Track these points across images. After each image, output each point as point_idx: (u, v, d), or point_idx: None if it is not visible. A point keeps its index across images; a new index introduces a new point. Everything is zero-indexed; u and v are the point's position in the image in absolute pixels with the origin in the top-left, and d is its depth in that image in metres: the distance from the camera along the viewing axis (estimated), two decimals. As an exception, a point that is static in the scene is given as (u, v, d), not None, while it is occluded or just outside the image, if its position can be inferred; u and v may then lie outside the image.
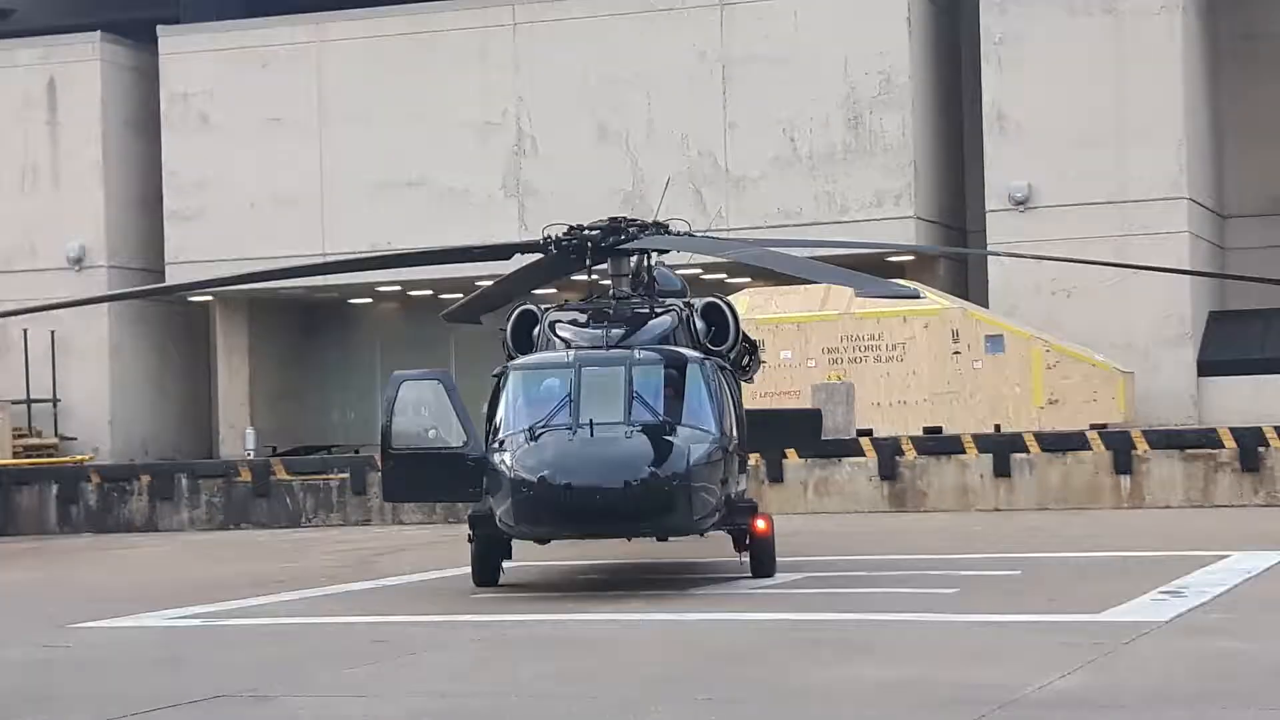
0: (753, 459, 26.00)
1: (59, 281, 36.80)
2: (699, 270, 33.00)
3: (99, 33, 37.93)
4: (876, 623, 14.99)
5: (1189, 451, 27.91)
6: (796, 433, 25.78)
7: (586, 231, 19.46)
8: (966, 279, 35.10)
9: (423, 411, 19.00)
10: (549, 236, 19.67)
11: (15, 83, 37.86)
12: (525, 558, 19.97)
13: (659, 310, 19.23)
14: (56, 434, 36.94)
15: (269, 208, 36.44)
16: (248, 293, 36.96)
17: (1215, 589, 16.48)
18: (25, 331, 36.24)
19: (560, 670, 12.97)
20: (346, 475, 31.42)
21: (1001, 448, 28.59)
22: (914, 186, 33.51)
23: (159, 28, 37.52)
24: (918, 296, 22.60)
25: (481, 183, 35.43)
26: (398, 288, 37.44)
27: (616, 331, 18.66)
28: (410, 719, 11.05)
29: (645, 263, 20.00)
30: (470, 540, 18.88)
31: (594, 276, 20.21)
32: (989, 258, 32.60)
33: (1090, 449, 28.21)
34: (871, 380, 30.45)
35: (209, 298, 38.05)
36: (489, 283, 22.49)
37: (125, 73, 38.24)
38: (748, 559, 18.81)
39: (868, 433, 29.68)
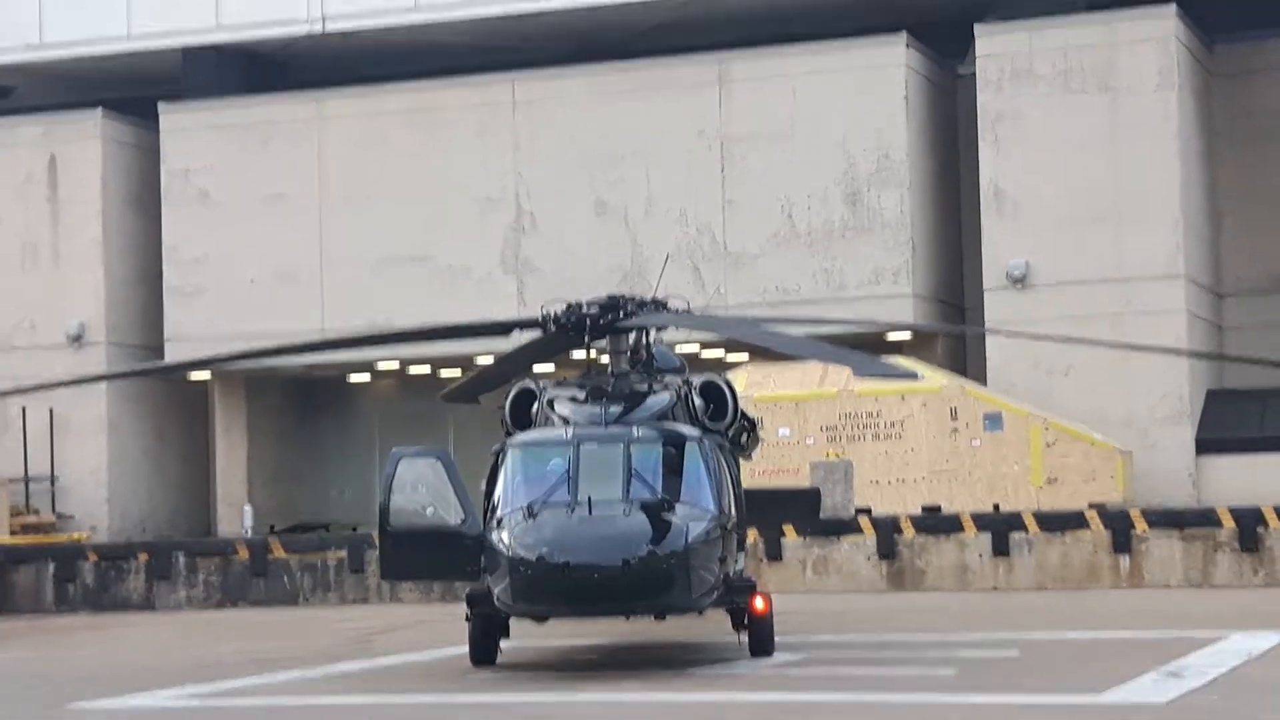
0: (751, 537, 25.98)
1: (57, 359, 36.82)
2: (697, 347, 33.03)
3: (100, 109, 38.11)
4: (875, 705, 14.93)
5: (1188, 531, 27.86)
6: (795, 511, 25.74)
7: (585, 309, 19.48)
8: (965, 356, 35.12)
9: (421, 489, 18.96)
10: (548, 314, 19.68)
11: (16, 160, 37.99)
12: (523, 637, 19.89)
13: (657, 387, 19.23)
14: (54, 512, 36.86)
15: (269, 284, 36.51)
16: (246, 371, 36.98)
17: (1214, 670, 16.41)
18: (24, 409, 36.22)
19: (558, 752, 12.89)
20: (344, 554, 31.33)
21: (1000, 527, 28.53)
22: (912, 264, 33.58)
23: (160, 104, 37.70)
24: (915, 377, 22.60)
25: (481, 259, 35.51)
26: (396, 365, 37.46)
27: (615, 409, 18.65)
28: (407, 802, 10.98)
29: (644, 340, 20.02)
30: (468, 619, 18.81)
31: (593, 354, 20.22)
32: (987, 336, 32.62)
33: (1089, 528, 28.16)
34: (870, 458, 30.42)
35: (207, 375, 38.05)
36: (487, 359, 22.57)
37: (126, 149, 38.39)
38: (746, 638, 18.74)
39: (866, 511, 29.63)
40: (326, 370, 37.91)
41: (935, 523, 29.02)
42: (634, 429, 18.19)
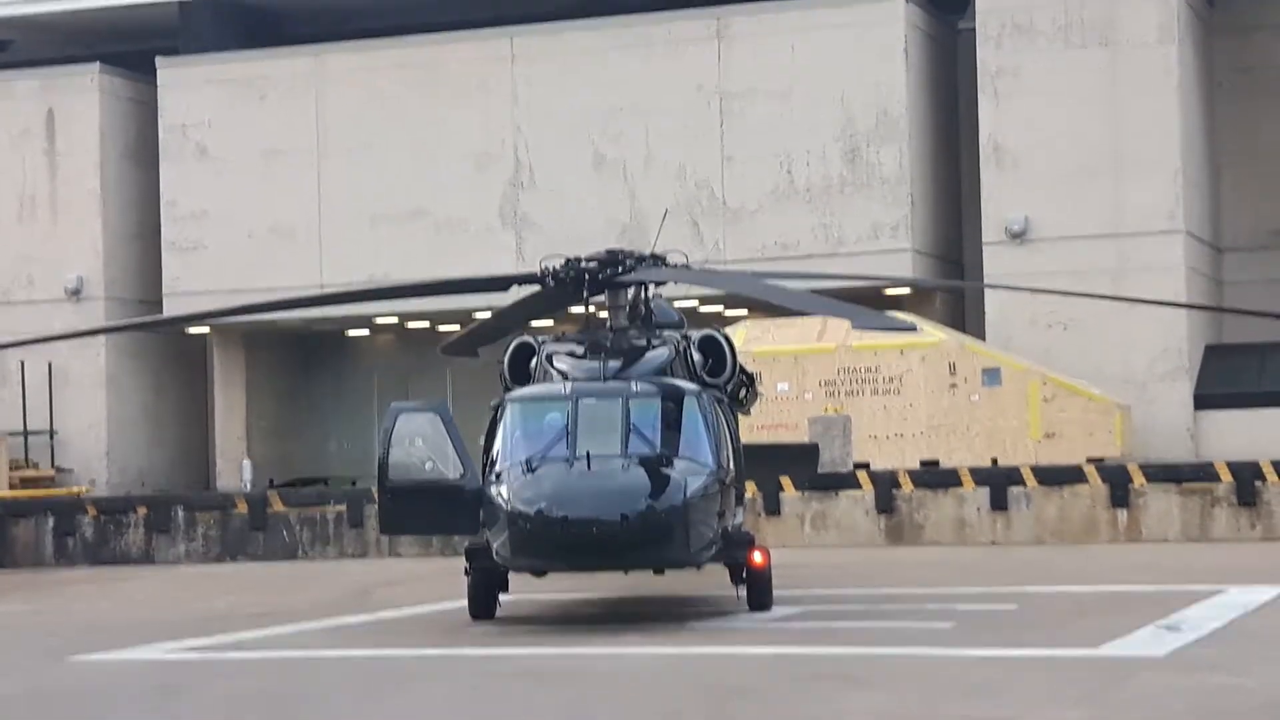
0: (750, 491, 26.02)
1: (56, 313, 36.81)
2: (696, 302, 33.03)
3: (98, 64, 38.00)
4: (874, 657, 14.97)
5: (1186, 485, 27.90)
6: (793, 466, 25.78)
7: (584, 263, 19.47)
8: (963, 312, 35.12)
9: (420, 444, 18.98)
10: (546, 268, 19.68)
11: (14, 113, 37.92)
12: (522, 591, 19.93)
13: (656, 342, 19.24)
14: (53, 466, 36.90)
15: (267, 239, 36.47)
16: (245, 325, 36.97)
17: (1212, 624, 16.46)
18: (22, 363, 36.23)
19: (557, 705, 12.95)
20: (343, 508, 31.37)
21: (998, 481, 28.58)
22: (911, 219, 33.55)
23: (158, 59, 37.59)
24: (915, 330, 22.62)
25: (479, 214, 35.47)
26: (395, 319, 37.46)
27: (613, 364, 18.66)
28: (407, 753, 11.03)
29: (642, 295, 20.01)
30: (467, 573, 18.85)
31: (591, 308, 20.22)
32: (986, 290, 32.62)
33: (1087, 483, 28.20)
34: (868, 413, 30.45)
35: (206, 330, 38.06)
36: (486, 314, 22.53)
37: (124, 103, 38.30)
38: (745, 592, 18.79)
39: (865, 466, 29.67)
40: (325, 325, 37.90)
41: (933, 477, 29.07)
42: (632, 384, 18.21)
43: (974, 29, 33.74)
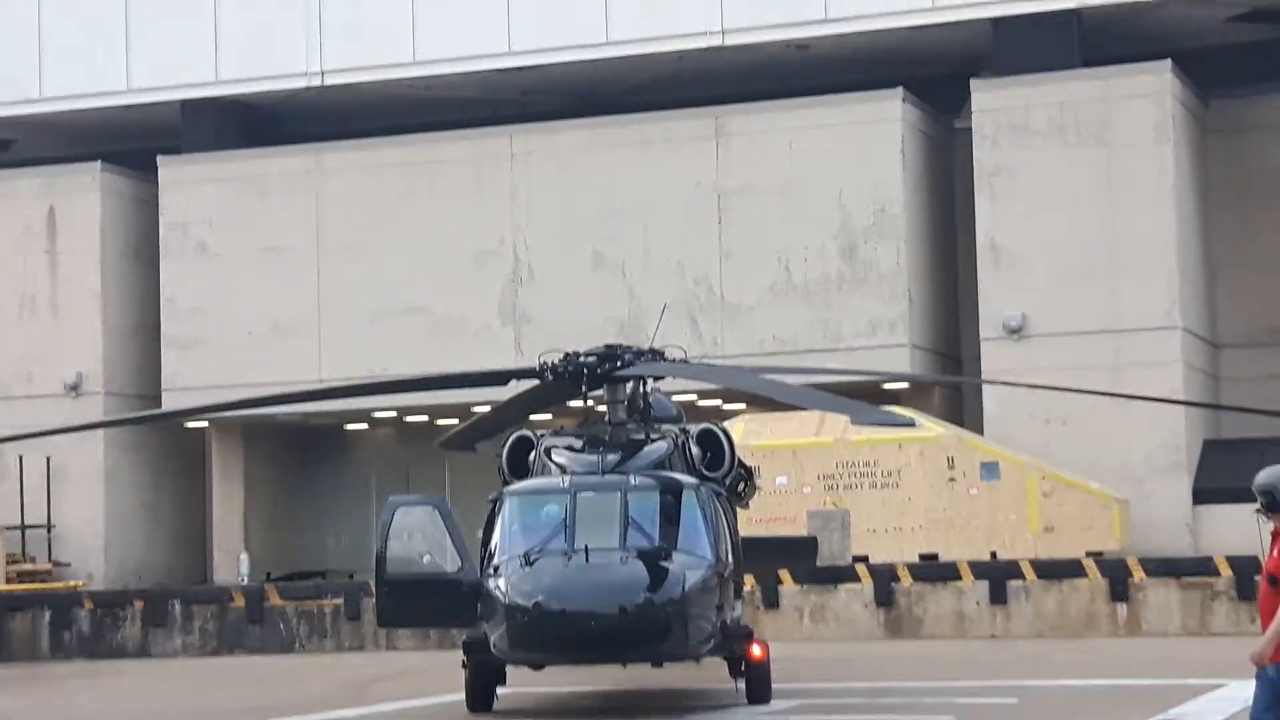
0: (748, 585, 25.98)
1: (55, 408, 36.86)
2: (694, 397, 33.09)
3: (99, 162, 38.24)
4: (872, 749, 14.92)
5: (1185, 579, 27.86)
6: (792, 559, 25.76)
7: (582, 358, 19.56)
8: (961, 407, 35.17)
9: (418, 537, 18.99)
10: (545, 363, 19.76)
11: (16, 212, 38.10)
12: (520, 684, 19.88)
13: (654, 436, 19.29)
14: (50, 560, 36.82)
15: (266, 335, 36.57)
16: (243, 419, 37.01)
17: (1212, 718, 16.42)
18: (20, 458, 36.22)
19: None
20: (341, 601, 31.30)
21: (998, 575, 28.54)
22: (908, 315, 33.66)
23: (159, 157, 37.84)
24: (913, 425, 22.70)
25: (478, 310, 35.59)
26: (393, 414, 37.50)
27: (612, 457, 18.69)
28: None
29: (641, 389, 20.08)
30: (465, 666, 18.83)
31: (590, 403, 20.28)
32: (984, 386, 32.68)
33: (1086, 577, 28.16)
34: (867, 507, 30.44)
35: (205, 424, 38.10)
36: (485, 409, 22.56)
37: (125, 202, 38.51)
38: (743, 685, 18.76)
39: (864, 559, 29.63)
40: (324, 419, 37.95)
41: (933, 571, 29.03)
42: (631, 477, 18.24)
43: (970, 128, 33.97)
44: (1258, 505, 11.01)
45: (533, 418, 22.90)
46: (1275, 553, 10.82)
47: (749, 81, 36.30)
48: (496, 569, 17.77)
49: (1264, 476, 11.00)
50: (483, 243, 35.70)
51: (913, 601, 28.74)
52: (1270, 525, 10.99)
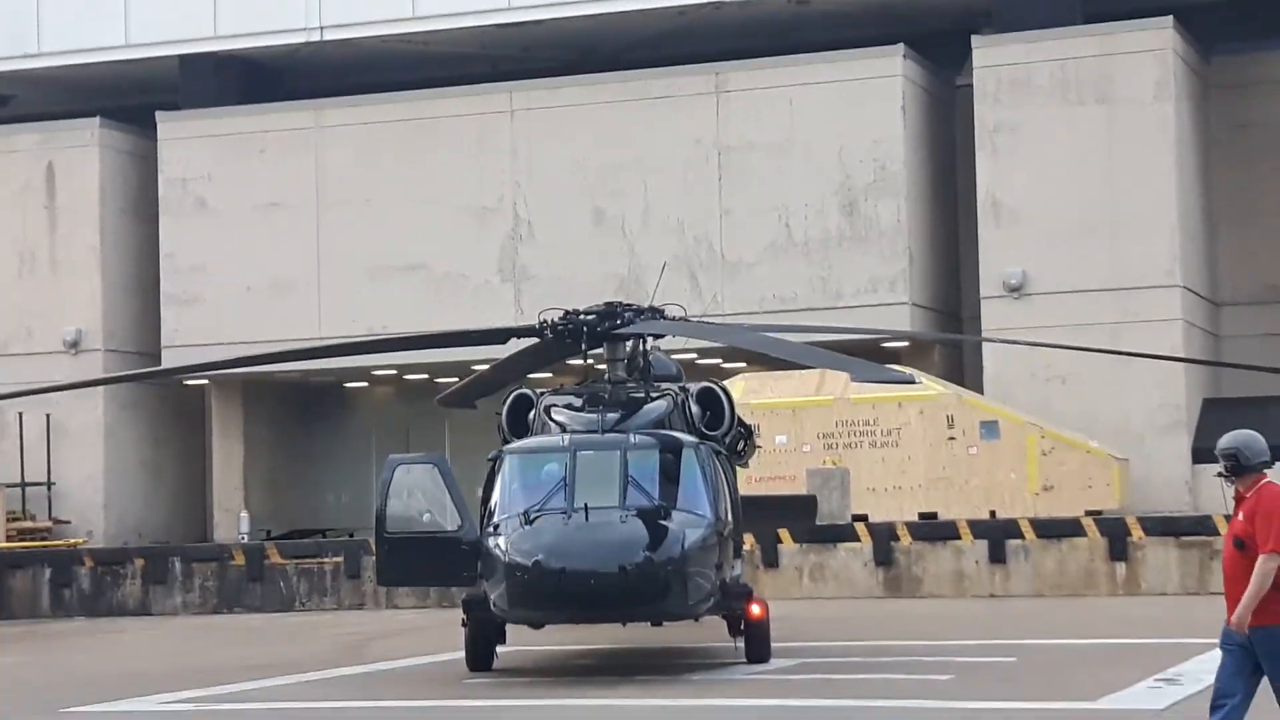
0: (748, 543, 25.99)
1: (55, 365, 36.81)
2: (694, 355, 33.05)
3: (98, 118, 38.12)
4: (872, 709, 14.95)
5: (1184, 539, 27.89)
6: (792, 518, 25.79)
7: (582, 317, 19.54)
8: (961, 365, 35.14)
9: (418, 495, 19.02)
10: (545, 321, 19.74)
11: (14, 168, 38.00)
12: (519, 642, 19.91)
13: (654, 395, 19.28)
14: (50, 517, 36.84)
15: (266, 292, 36.51)
16: (243, 376, 36.97)
17: (1210, 677, 16.41)
18: (20, 415, 36.22)
19: (554, 755, 12.92)
20: (341, 559, 31.36)
21: (997, 534, 28.57)
22: (909, 273, 33.60)
23: (158, 113, 37.71)
24: (913, 382, 22.67)
25: (478, 267, 35.53)
26: (393, 372, 37.48)
27: (612, 416, 18.70)
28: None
29: (641, 348, 20.06)
30: (464, 625, 18.85)
31: (590, 361, 20.25)
32: (984, 344, 32.65)
33: (1085, 535, 28.19)
34: (867, 465, 30.45)
35: (204, 381, 38.08)
36: (485, 367, 22.55)
37: (124, 158, 38.41)
38: (743, 644, 18.79)
39: (863, 518, 29.65)
40: (323, 377, 37.91)
41: (932, 530, 29.06)
42: (630, 436, 18.25)
43: (971, 85, 33.86)
44: (1219, 469, 10.99)
45: (532, 376, 22.87)
46: (1240, 516, 10.82)
47: (749, 37, 36.15)
48: (496, 527, 17.79)
49: (1227, 440, 10.99)
50: (483, 199, 35.62)
51: (912, 560, 28.78)
52: (1234, 489, 10.97)
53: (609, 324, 19.48)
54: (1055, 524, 28.57)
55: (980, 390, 32.67)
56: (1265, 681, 10.83)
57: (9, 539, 34.81)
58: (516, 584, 17.20)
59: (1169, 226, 32.41)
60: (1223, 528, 27.49)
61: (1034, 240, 32.84)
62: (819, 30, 35.67)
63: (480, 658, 18.85)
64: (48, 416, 36.52)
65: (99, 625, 30.37)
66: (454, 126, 35.90)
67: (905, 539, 28.84)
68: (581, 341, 19.50)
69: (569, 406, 19.15)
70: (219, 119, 37.22)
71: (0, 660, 24.33)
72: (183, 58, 37.92)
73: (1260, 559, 10.64)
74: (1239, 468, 10.93)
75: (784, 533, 28.66)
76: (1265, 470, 10.99)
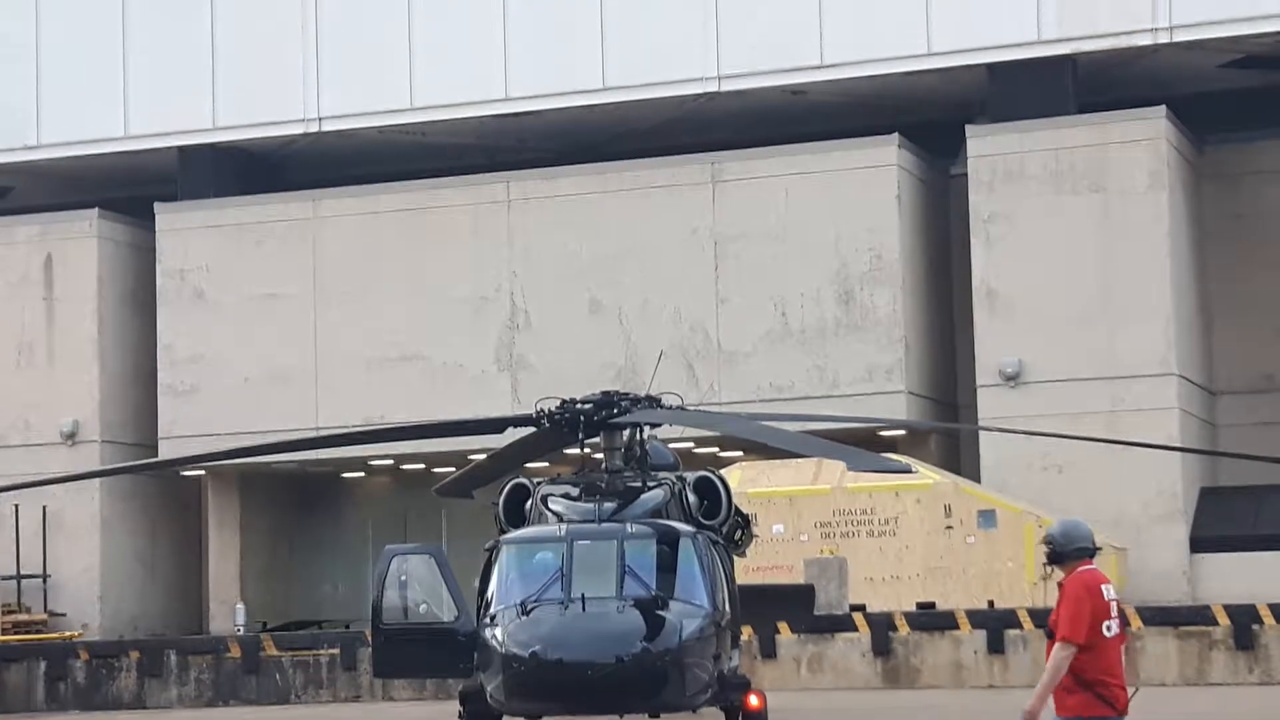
0: (745, 634, 25.88)
1: (52, 457, 36.79)
2: (691, 444, 33.04)
3: (96, 209, 38.26)
4: (871, 800, 14.85)
5: (1183, 629, 27.80)
6: (789, 608, 25.68)
7: (579, 406, 19.52)
8: (958, 454, 35.13)
9: (414, 586, 18.93)
10: (542, 410, 19.72)
11: (13, 259, 38.12)
12: (516, 734, 19.76)
13: (651, 484, 19.23)
14: (46, 610, 36.71)
15: (263, 383, 36.53)
16: (240, 467, 36.95)
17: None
18: (16, 507, 36.14)
19: None
20: (337, 651, 31.20)
21: (995, 624, 28.46)
22: (905, 361, 33.65)
23: (156, 204, 37.87)
24: (910, 471, 22.64)
25: (475, 357, 35.58)
26: (390, 462, 37.45)
27: (609, 505, 18.63)
28: None
29: (638, 437, 20.04)
30: (461, 716, 18.74)
31: (587, 450, 20.24)
32: (981, 433, 32.66)
33: (1084, 625, 28.02)
34: (864, 555, 30.37)
35: (201, 472, 38.04)
36: (482, 457, 22.52)
37: (122, 249, 38.53)
38: (741, 736, 18.67)
39: (861, 608, 29.55)
40: (320, 467, 37.88)
41: (930, 620, 28.95)
42: (628, 526, 18.17)
43: (966, 174, 34.03)
44: (1044, 559, 11.01)
45: (529, 465, 22.86)
46: (1057, 604, 10.81)
47: (745, 127, 36.37)
48: (493, 618, 17.70)
49: (1051, 528, 11.03)
50: (480, 289, 35.71)
51: (910, 651, 28.66)
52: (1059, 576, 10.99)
53: (606, 413, 19.46)
54: (1054, 613, 28.41)
55: (977, 479, 32.66)
56: None
57: (4, 632, 34.67)
58: (513, 675, 17.10)
59: (1164, 315, 32.49)
60: (1222, 618, 27.45)
61: (1029, 329, 32.91)
62: (814, 120, 35.89)
63: (477, 749, 18.72)
64: (44, 508, 36.46)
65: (94, 719, 30.16)
66: (451, 216, 36.03)
67: (903, 629, 28.73)
68: (578, 431, 19.47)
69: (566, 496, 19.09)
70: (217, 210, 37.38)
71: (-6, 753, 24.18)
72: (181, 149, 38.15)
73: (1054, 647, 10.62)
74: (1057, 555, 10.95)
75: (782, 623, 28.54)
76: (1085, 558, 10.95)
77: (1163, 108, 33.10)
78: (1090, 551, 10.88)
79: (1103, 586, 10.78)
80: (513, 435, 20.90)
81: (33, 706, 32.33)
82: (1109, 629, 10.66)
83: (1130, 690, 10.71)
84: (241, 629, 35.10)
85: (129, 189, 39.61)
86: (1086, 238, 32.90)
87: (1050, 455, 31.94)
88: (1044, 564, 11.15)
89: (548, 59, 35.73)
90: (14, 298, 38.00)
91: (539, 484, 19.50)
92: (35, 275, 38.05)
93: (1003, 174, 33.42)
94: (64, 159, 38.91)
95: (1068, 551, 10.85)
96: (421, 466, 37.03)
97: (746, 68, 34.81)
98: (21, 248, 38.18)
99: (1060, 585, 10.84)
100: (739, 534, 20.62)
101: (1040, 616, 28.31)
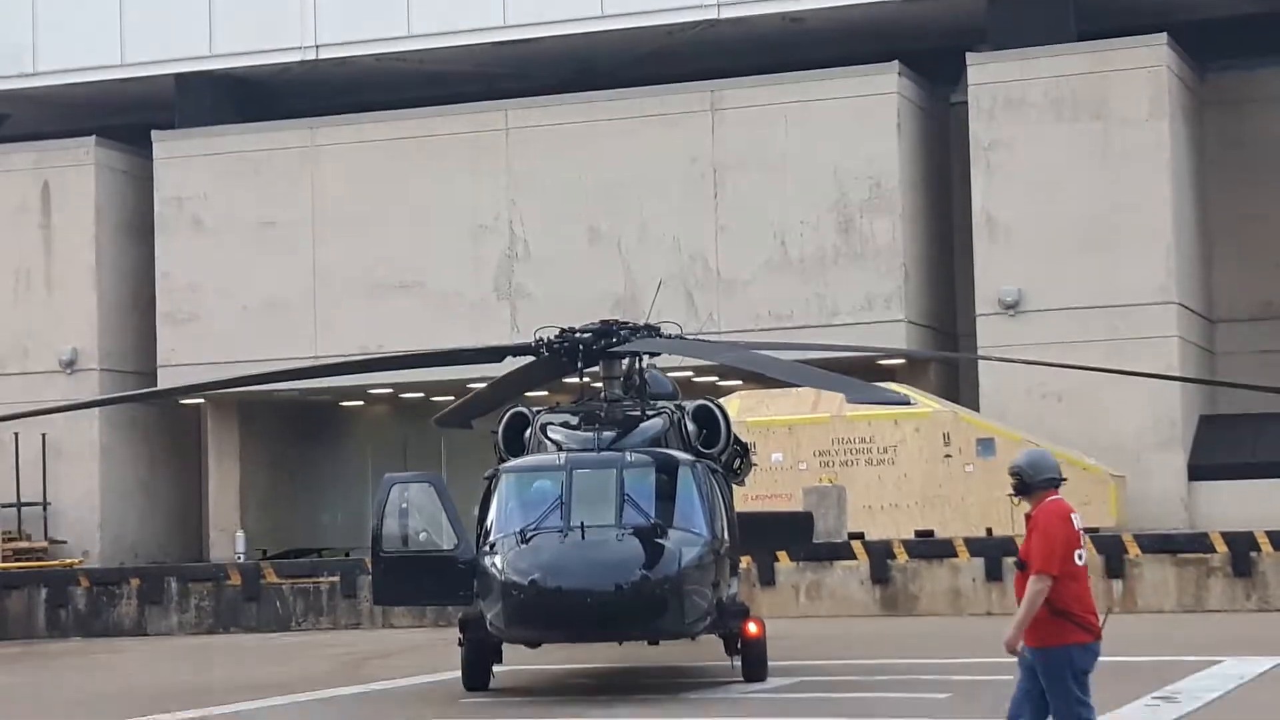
0: (744, 562, 25.96)
1: (51, 385, 36.80)
2: (690, 373, 33.02)
3: (94, 137, 38.13)
4: (869, 728, 14.92)
5: (1181, 556, 27.87)
6: (788, 536, 25.77)
7: (578, 334, 19.54)
8: (957, 383, 35.15)
9: (414, 514, 19.01)
10: (541, 339, 19.75)
11: (10, 187, 38.01)
12: (516, 661, 19.88)
13: (650, 413, 19.27)
14: (46, 537, 36.81)
15: (261, 311, 36.50)
16: (239, 396, 36.95)
17: (1209, 694, 16.44)
18: (16, 435, 36.18)
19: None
20: (337, 578, 31.30)
21: (993, 551, 28.53)
22: (904, 290, 33.62)
23: (154, 133, 37.73)
24: (908, 403, 22.67)
25: (474, 286, 35.54)
26: (389, 391, 37.46)
27: (608, 434, 18.68)
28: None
29: (637, 366, 20.06)
30: (461, 644, 18.83)
31: (586, 379, 20.25)
32: (980, 362, 32.67)
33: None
34: (863, 483, 30.44)
35: (200, 401, 38.06)
36: (481, 385, 22.54)
37: (119, 177, 38.42)
38: (739, 663, 18.76)
39: (859, 536, 29.64)
40: (319, 396, 37.89)
41: (928, 547, 29.03)
42: (627, 454, 18.23)
43: (966, 102, 33.91)
44: (1010, 490, 11.01)
45: (528, 394, 22.87)
46: (1028, 535, 10.81)
47: (744, 55, 36.19)
48: (492, 546, 17.77)
49: (1017, 459, 11.02)
50: (479, 218, 35.63)
51: (908, 578, 28.75)
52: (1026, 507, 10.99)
53: (605, 342, 19.49)
54: (1052, 541, 28.46)
55: (976, 408, 32.68)
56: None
57: (5, 559, 34.77)
58: (513, 603, 17.18)
59: (1164, 243, 32.44)
60: (1220, 545, 27.52)
61: (1029, 257, 32.86)
62: (814, 48, 35.72)
63: (477, 677, 18.81)
64: (43, 436, 36.49)
65: (94, 646, 30.31)
66: (449, 145, 35.91)
67: (902, 557, 28.82)
68: (578, 360, 19.50)
69: (565, 425, 19.14)
70: (215, 138, 37.24)
71: (-4, 680, 24.29)
72: (178, 76, 37.96)
73: (1031, 579, 10.64)
74: (1024, 486, 10.96)
75: (780, 551, 28.60)
76: (1052, 489, 10.97)
77: (1164, 35, 32.94)
78: (1057, 482, 10.93)
79: (1071, 515, 10.82)
80: (512, 364, 20.90)
81: (34, 633, 32.47)
82: (1080, 558, 10.74)
83: (1101, 615, 10.75)
84: (242, 556, 35.20)
85: (127, 117, 39.46)
86: (1087, 166, 32.81)
87: (1049, 384, 31.96)
88: (1010, 495, 11.17)
89: (546, -15, 35.53)
90: (11, 226, 37.93)
91: (538, 413, 19.54)
92: (33, 203, 37.97)
93: (1003, 102, 33.30)
94: (61, 86, 38.73)
95: (1036, 482, 10.88)
96: (420, 395, 37.05)
97: (746, -6, 34.65)
98: (19, 175, 38.07)
99: (1029, 517, 10.86)
100: (738, 463, 20.69)
101: (1038, 545, 28.32)
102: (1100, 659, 20.31)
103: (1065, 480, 11.11)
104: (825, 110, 34.02)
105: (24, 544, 36.19)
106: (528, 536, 17.43)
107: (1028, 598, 10.59)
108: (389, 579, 18.87)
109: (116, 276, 38.07)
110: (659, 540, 17.44)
